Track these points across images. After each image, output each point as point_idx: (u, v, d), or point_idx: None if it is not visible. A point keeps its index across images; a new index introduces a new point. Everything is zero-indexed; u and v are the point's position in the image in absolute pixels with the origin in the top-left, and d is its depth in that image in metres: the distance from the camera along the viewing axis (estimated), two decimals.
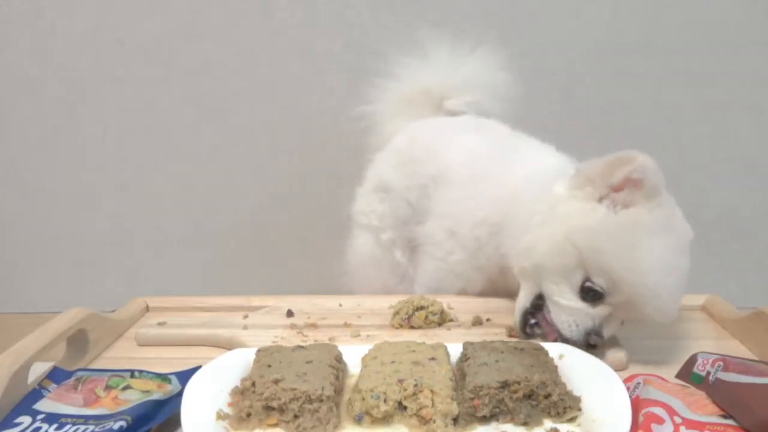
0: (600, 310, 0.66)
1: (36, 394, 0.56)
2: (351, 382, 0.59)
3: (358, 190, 1.03)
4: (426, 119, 1.04)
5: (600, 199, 0.67)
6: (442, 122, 1.02)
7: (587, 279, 0.66)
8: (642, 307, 0.64)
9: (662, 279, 0.63)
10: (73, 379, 0.59)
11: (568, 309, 0.67)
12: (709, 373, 0.58)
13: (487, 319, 0.77)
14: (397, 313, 0.75)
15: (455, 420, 0.52)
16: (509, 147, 0.88)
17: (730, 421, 0.48)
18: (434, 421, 0.51)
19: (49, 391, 0.57)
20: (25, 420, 0.52)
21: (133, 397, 0.55)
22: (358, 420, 0.52)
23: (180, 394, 0.57)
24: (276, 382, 0.53)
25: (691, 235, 0.68)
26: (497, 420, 0.53)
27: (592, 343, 0.66)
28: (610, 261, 0.64)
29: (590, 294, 0.66)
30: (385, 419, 0.52)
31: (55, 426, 0.51)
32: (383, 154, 1.02)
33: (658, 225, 0.65)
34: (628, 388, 0.55)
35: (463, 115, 1.05)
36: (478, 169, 0.85)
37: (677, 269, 0.65)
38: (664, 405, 0.50)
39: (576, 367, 0.58)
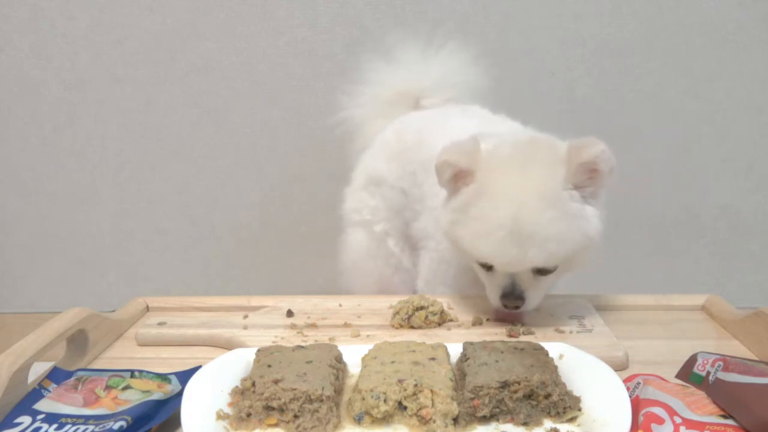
0: (500, 274, 0.73)
1: (36, 394, 0.56)
2: (351, 382, 0.59)
3: (347, 190, 1.06)
4: (408, 113, 1.06)
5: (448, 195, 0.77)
6: (427, 113, 1.04)
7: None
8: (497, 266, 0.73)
9: (486, 241, 0.70)
10: (73, 379, 0.59)
11: (485, 283, 0.76)
12: (709, 373, 0.58)
13: (487, 319, 0.77)
14: (397, 313, 0.75)
15: (455, 420, 0.52)
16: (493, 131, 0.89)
17: (730, 421, 0.48)
18: (434, 421, 0.51)
19: (49, 391, 0.57)
20: (25, 420, 0.52)
21: (133, 397, 0.55)
22: (358, 420, 0.52)
23: (180, 394, 0.57)
24: (276, 382, 0.53)
25: (549, 183, 0.70)
26: (497, 420, 0.53)
27: (504, 306, 0.74)
28: (457, 239, 0.74)
29: (486, 265, 0.74)
30: (385, 419, 0.52)
31: (55, 426, 0.51)
32: (371, 150, 1.05)
33: (478, 193, 0.71)
34: (628, 388, 0.55)
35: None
36: None
37: (501, 223, 0.69)
38: (664, 405, 0.50)
39: (576, 367, 0.58)
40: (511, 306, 0.74)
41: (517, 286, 0.73)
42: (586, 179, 0.70)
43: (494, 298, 0.75)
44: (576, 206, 0.70)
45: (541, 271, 0.72)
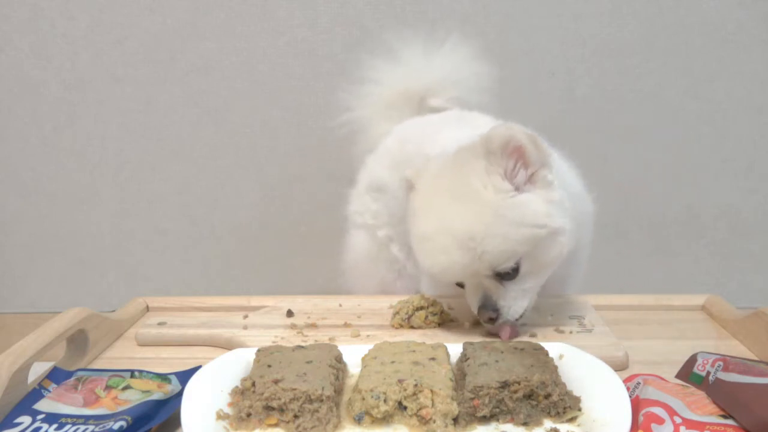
0: (469, 288, 0.72)
1: (36, 394, 0.56)
2: (351, 382, 0.59)
3: (352, 191, 1.06)
4: (412, 119, 1.05)
5: None
6: (427, 120, 1.03)
7: None
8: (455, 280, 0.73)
9: (424, 256, 0.71)
10: (73, 379, 0.59)
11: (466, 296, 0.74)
12: (709, 373, 0.58)
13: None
14: (397, 313, 0.75)
15: (455, 420, 0.52)
16: None
17: (730, 421, 0.48)
18: (434, 421, 0.51)
19: (49, 391, 0.57)
20: (25, 420, 0.52)
21: (133, 397, 0.55)
22: (358, 420, 0.52)
23: (180, 394, 0.57)
24: (276, 382, 0.53)
25: (468, 183, 0.68)
26: (497, 420, 0.53)
27: (482, 316, 0.71)
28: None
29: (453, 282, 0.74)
30: (385, 419, 0.52)
31: (55, 426, 0.51)
32: (374, 156, 1.04)
33: (409, 210, 0.74)
34: (628, 388, 0.55)
35: (447, 110, 1.06)
36: None
37: (429, 236, 0.69)
38: (664, 405, 0.50)
39: (576, 367, 0.58)
40: (486, 319, 0.70)
41: (488, 297, 0.70)
42: (513, 165, 0.67)
43: (474, 312, 0.72)
44: (508, 200, 0.66)
45: (502, 276, 0.68)
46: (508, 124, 0.68)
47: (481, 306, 0.70)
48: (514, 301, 0.70)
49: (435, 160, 0.75)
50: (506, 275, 0.69)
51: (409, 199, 0.75)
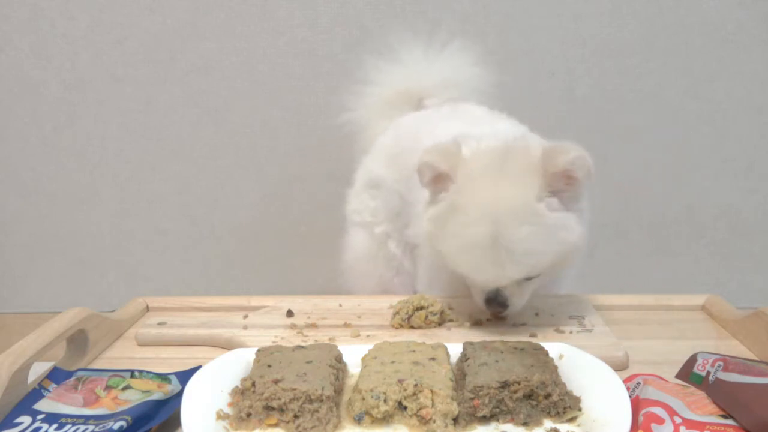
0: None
1: (36, 394, 0.56)
2: (351, 382, 0.59)
3: (349, 191, 1.07)
4: (408, 114, 1.05)
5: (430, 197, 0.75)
6: (421, 114, 1.04)
7: None
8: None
9: (462, 256, 0.70)
10: (73, 379, 0.59)
11: (470, 286, 0.75)
12: (709, 373, 0.58)
13: (488, 319, 0.77)
14: (397, 313, 0.75)
15: (455, 420, 0.52)
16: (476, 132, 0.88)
17: (730, 421, 0.48)
18: (434, 421, 0.51)
19: (49, 391, 0.57)
20: (25, 420, 0.52)
21: (133, 397, 0.55)
22: (358, 420, 0.52)
23: (180, 394, 0.57)
24: (276, 382, 0.53)
25: (525, 194, 0.68)
26: (497, 420, 0.53)
27: (489, 309, 0.73)
28: (436, 249, 0.73)
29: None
30: (385, 419, 0.52)
31: (55, 426, 0.51)
32: (371, 152, 1.05)
33: (453, 205, 0.70)
34: (628, 388, 0.55)
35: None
36: None
37: (477, 240, 0.67)
38: (664, 405, 0.50)
39: (576, 367, 0.58)
40: (494, 311, 0.74)
41: (501, 293, 0.72)
42: (563, 185, 0.69)
43: (479, 302, 0.75)
44: (554, 216, 0.68)
45: (524, 278, 0.72)
46: (573, 150, 0.67)
47: (490, 300, 0.73)
48: (521, 297, 0.73)
49: (474, 157, 0.72)
50: (528, 278, 0.72)
51: (445, 192, 0.71)
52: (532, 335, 0.72)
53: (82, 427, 0.51)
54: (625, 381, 0.56)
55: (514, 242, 0.66)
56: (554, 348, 0.62)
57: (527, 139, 0.75)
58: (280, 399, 0.52)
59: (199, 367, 0.59)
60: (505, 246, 0.67)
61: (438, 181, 0.72)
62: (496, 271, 0.69)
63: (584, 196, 0.72)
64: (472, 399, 0.52)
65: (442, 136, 0.88)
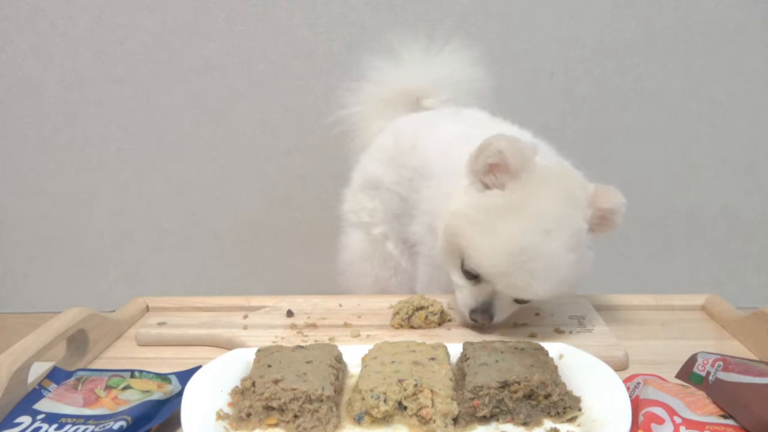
0: (483, 288, 0.70)
1: (36, 394, 0.56)
2: (351, 382, 0.59)
3: (346, 190, 1.06)
4: (408, 115, 1.05)
5: (473, 186, 0.71)
6: (422, 116, 1.03)
7: (463, 260, 0.70)
8: (495, 285, 0.68)
9: (504, 258, 0.65)
10: (73, 379, 0.59)
11: (458, 287, 0.73)
12: (709, 373, 0.58)
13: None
14: (397, 313, 0.75)
15: (455, 420, 0.52)
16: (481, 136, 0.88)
17: (730, 421, 0.48)
18: (434, 421, 0.51)
19: (49, 391, 0.57)
20: (25, 420, 0.52)
21: (133, 397, 0.55)
22: (358, 420, 0.52)
23: (180, 394, 0.57)
24: (276, 382, 0.53)
25: (578, 223, 0.68)
26: (497, 420, 0.53)
27: (472, 319, 0.71)
28: (463, 241, 0.68)
29: (470, 274, 0.70)
30: (385, 419, 0.52)
31: (55, 426, 0.51)
32: (369, 152, 1.04)
33: (512, 206, 0.66)
34: (628, 388, 0.55)
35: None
36: (453, 160, 0.80)
37: (528, 249, 0.65)
38: (664, 405, 0.50)
39: (576, 367, 0.58)
40: (479, 321, 0.72)
41: (493, 306, 0.71)
42: (598, 225, 0.70)
43: (464, 307, 0.72)
44: (587, 252, 0.69)
45: (521, 300, 0.71)
46: (622, 197, 0.69)
47: (480, 310, 0.71)
48: (505, 313, 0.73)
49: (544, 170, 0.69)
50: (526, 300, 0.72)
51: (499, 189, 0.68)
52: (532, 335, 0.72)
53: (82, 427, 0.51)
54: (625, 381, 0.56)
55: (556, 264, 0.66)
56: (554, 348, 0.62)
57: (573, 169, 0.74)
58: (280, 399, 0.52)
59: (199, 367, 0.59)
60: (547, 263, 0.65)
61: (495, 171, 0.68)
62: (523, 284, 0.66)
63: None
64: (472, 399, 0.52)
65: (443, 138, 0.88)
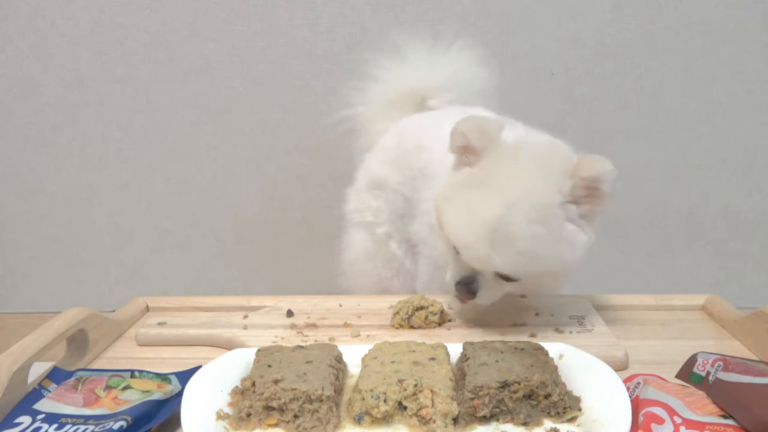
0: (464, 262, 0.72)
1: (36, 394, 0.56)
2: (351, 382, 0.59)
3: (349, 190, 1.06)
4: (412, 115, 1.05)
5: (454, 166, 0.74)
6: (427, 116, 1.03)
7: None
8: (463, 256, 0.70)
9: (467, 230, 0.68)
10: (73, 379, 0.59)
11: (450, 261, 0.75)
12: (709, 373, 0.58)
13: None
14: (397, 313, 0.75)
15: (455, 420, 0.52)
16: None
17: (730, 421, 0.48)
18: (434, 421, 0.51)
19: (49, 391, 0.57)
20: (25, 420, 0.52)
21: (133, 397, 0.55)
22: (358, 420, 0.52)
23: (180, 394, 0.57)
24: (276, 382, 0.53)
25: (547, 196, 0.67)
26: (497, 420, 0.53)
27: (457, 291, 0.72)
28: (440, 215, 0.72)
29: (455, 248, 0.72)
30: (385, 419, 0.52)
31: (55, 426, 0.51)
32: (374, 152, 1.04)
33: (476, 181, 0.69)
34: (628, 388, 0.55)
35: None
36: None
37: (488, 221, 0.66)
38: (664, 405, 0.50)
39: (576, 367, 0.58)
40: (462, 296, 0.73)
41: (475, 281, 0.72)
42: (584, 196, 0.68)
43: (450, 280, 0.74)
44: (568, 228, 0.68)
45: (504, 276, 0.71)
46: (608, 163, 0.67)
47: (463, 283, 0.72)
48: (492, 293, 0.73)
49: (513, 142, 0.70)
50: (508, 278, 0.71)
51: (469, 166, 0.71)
52: (532, 335, 0.72)
53: (82, 427, 0.51)
54: (625, 381, 0.56)
55: (516, 236, 0.65)
56: (554, 348, 0.62)
57: (567, 147, 0.74)
58: (280, 399, 0.52)
59: (199, 367, 0.59)
60: (506, 235, 0.65)
61: (465, 152, 0.71)
62: (484, 255, 0.67)
63: (596, 221, 0.71)
64: (472, 399, 0.52)
65: (442, 141, 0.88)
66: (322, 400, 0.52)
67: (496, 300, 0.74)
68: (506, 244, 0.66)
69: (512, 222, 0.65)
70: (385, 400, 0.52)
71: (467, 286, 0.72)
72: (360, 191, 1.04)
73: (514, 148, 0.70)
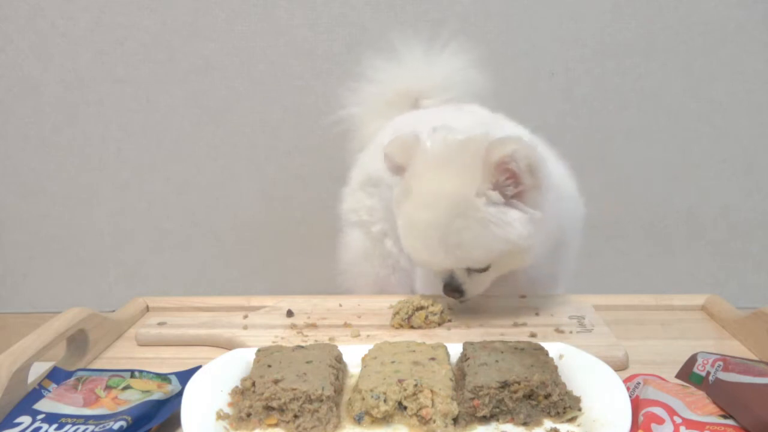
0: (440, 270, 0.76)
1: (36, 394, 0.56)
2: (351, 382, 0.59)
3: (344, 190, 1.06)
4: (408, 113, 1.05)
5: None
6: (421, 113, 1.03)
7: None
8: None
9: (405, 236, 0.74)
10: (73, 379, 0.59)
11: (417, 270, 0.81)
12: (709, 373, 0.58)
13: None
14: (397, 313, 0.75)
15: (455, 420, 0.52)
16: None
17: (730, 421, 0.48)
18: (434, 421, 0.51)
19: (49, 391, 0.57)
20: (25, 420, 0.52)
21: (133, 397, 0.55)
22: (358, 420, 0.52)
23: (180, 394, 0.57)
24: (276, 382, 0.53)
25: (463, 190, 0.69)
26: (497, 420, 0.53)
27: (445, 294, 0.76)
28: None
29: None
30: (385, 419, 0.52)
31: (55, 426, 0.51)
32: (368, 151, 1.04)
33: (403, 191, 0.74)
34: (628, 388, 0.55)
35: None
36: None
37: (415, 225, 0.72)
38: (664, 405, 0.50)
39: (576, 367, 0.58)
40: (451, 296, 0.76)
41: (455, 279, 0.75)
42: (504, 179, 0.68)
43: (420, 289, 0.79)
44: (492, 211, 0.68)
45: (472, 269, 0.74)
46: (512, 143, 0.67)
47: (447, 284, 0.76)
48: (477, 285, 0.76)
49: (429, 148, 0.74)
50: (476, 270, 0.74)
51: (402, 180, 0.75)
52: (532, 335, 0.72)
53: (82, 427, 0.51)
54: (625, 381, 0.56)
55: (447, 233, 0.69)
56: (554, 348, 0.62)
57: (488, 133, 0.73)
58: (280, 399, 0.52)
59: (199, 367, 0.59)
60: (439, 235, 0.70)
61: (396, 171, 0.76)
62: (432, 258, 0.72)
63: (542, 200, 0.71)
64: (472, 399, 0.52)
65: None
66: (322, 400, 0.52)
67: (486, 288, 0.77)
68: (441, 242, 0.70)
69: (436, 222, 0.70)
70: (385, 400, 0.52)
71: (451, 286, 0.75)
72: (354, 190, 1.04)
73: (431, 152, 0.73)
